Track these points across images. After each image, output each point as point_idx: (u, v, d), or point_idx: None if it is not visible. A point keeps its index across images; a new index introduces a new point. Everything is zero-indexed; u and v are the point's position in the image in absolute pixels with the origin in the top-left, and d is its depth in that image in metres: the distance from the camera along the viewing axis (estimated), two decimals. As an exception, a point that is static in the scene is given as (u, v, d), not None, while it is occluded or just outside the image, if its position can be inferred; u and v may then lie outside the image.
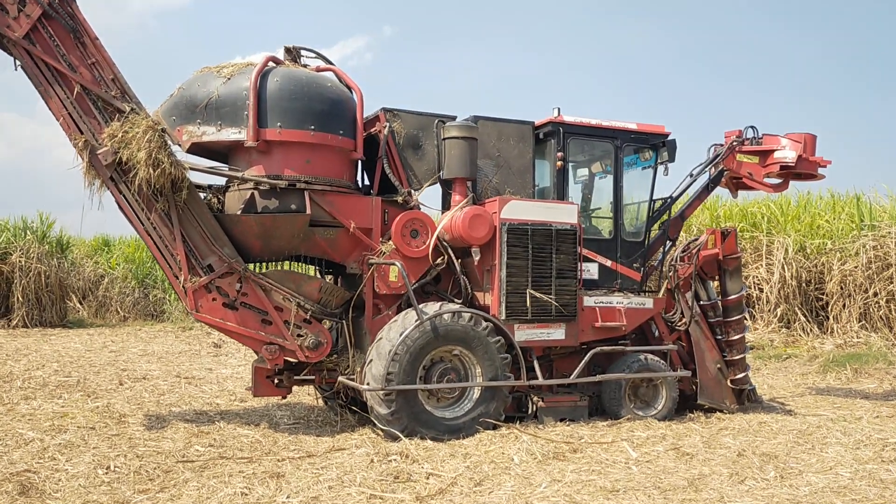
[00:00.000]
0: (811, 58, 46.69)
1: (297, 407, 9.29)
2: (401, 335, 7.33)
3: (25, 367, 12.33)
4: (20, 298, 20.34)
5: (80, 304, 23.84)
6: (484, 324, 7.65)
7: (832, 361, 12.99)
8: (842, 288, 15.67)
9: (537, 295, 7.91)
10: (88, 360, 13.77)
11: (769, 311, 16.24)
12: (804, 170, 9.51)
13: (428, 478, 6.08)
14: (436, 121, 8.27)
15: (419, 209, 8.15)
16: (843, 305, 15.60)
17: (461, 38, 55.85)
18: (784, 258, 16.25)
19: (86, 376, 11.49)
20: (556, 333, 8.10)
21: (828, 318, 15.91)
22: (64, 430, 7.54)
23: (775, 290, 16.15)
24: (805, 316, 16.02)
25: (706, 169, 9.68)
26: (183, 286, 7.36)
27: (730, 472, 6.28)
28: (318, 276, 8.69)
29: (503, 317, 7.81)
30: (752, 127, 9.70)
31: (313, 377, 8.12)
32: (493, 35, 54.04)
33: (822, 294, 16.19)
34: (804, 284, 16.34)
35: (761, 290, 16.45)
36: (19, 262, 20.55)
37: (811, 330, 15.78)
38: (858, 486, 5.92)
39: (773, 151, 9.55)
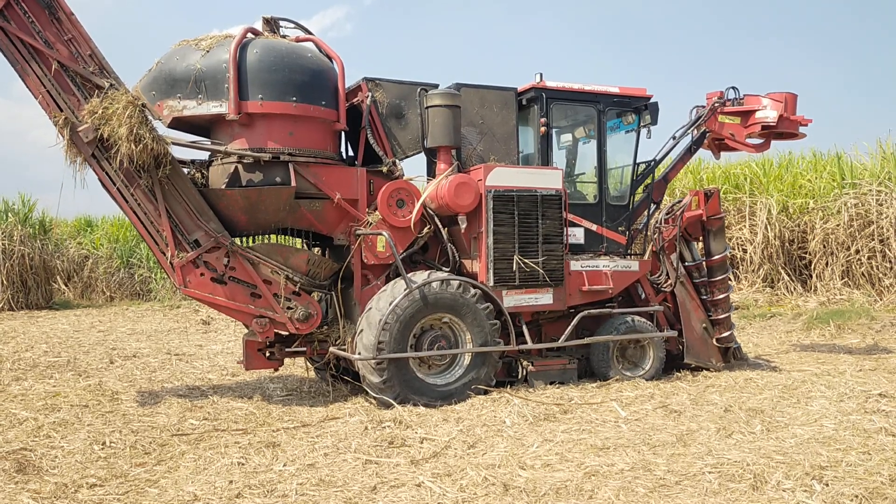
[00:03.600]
0: (792, 19, 46.66)
1: (289, 379, 9.35)
2: (390, 304, 7.38)
3: (14, 349, 12.31)
4: (4, 281, 20.24)
5: (66, 285, 23.72)
6: (472, 291, 7.71)
7: (816, 318, 13.18)
8: (824, 246, 15.88)
9: (524, 261, 7.96)
10: (77, 340, 13.76)
11: (753, 271, 16.44)
12: (785, 129, 9.58)
13: (422, 442, 6.16)
14: (418, 89, 8.24)
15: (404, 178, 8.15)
16: (826, 263, 15.83)
17: (442, 4, 55.38)
18: (767, 218, 16.41)
19: (76, 356, 11.48)
20: (544, 298, 8.17)
21: (811, 276, 16.13)
22: (57, 409, 7.57)
23: (759, 250, 16.34)
24: (789, 275, 16.23)
25: (689, 131, 9.72)
26: (170, 262, 7.35)
27: (717, 427, 6.40)
28: (306, 248, 8.70)
29: (491, 283, 7.87)
30: (733, 87, 9.74)
31: (304, 349, 8.16)
32: (473, 1, 53.58)
33: (806, 253, 16.39)
34: (787, 244, 16.54)
35: (745, 251, 16.62)
36: (2, 244, 20.43)
37: (795, 289, 16.00)
38: (843, 436, 6.06)
39: (754, 111, 9.61)
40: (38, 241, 21.50)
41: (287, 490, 5.09)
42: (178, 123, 7.66)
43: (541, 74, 8.54)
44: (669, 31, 51.23)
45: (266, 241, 8.33)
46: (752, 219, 16.78)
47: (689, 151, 9.81)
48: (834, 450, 5.68)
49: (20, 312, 19.67)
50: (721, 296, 9.25)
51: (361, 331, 7.47)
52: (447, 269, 8.15)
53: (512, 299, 8.00)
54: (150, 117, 7.27)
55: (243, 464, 5.70)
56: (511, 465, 5.50)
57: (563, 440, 6.13)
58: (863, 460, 5.39)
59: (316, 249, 8.92)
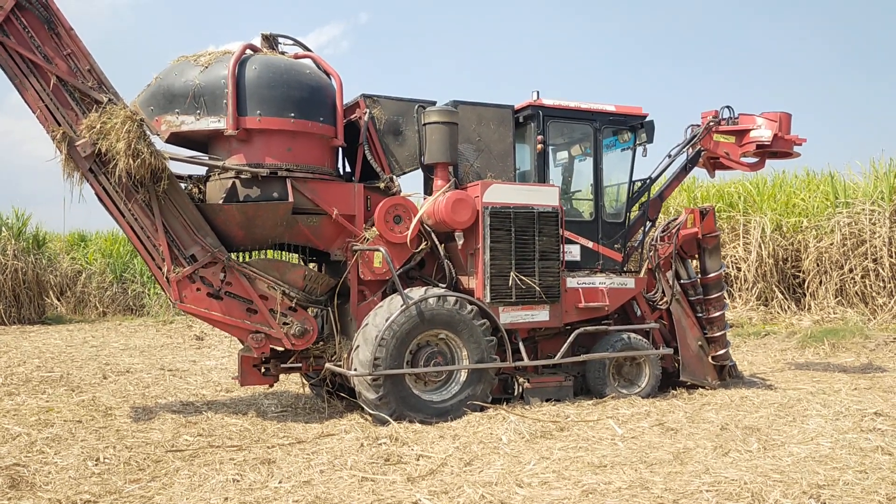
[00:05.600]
0: (785, 37, 47.08)
1: (284, 395, 9.30)
2: (387, 320, 7.36)
3: (6, 364, 12.22)
4: (-3, 296, 20.11)
5: (59, 300, 23.58)
6: (469, 307, 7.70)
7: (810, 337, 13.20)
8: (818, 265, 15.94)
9: (521, 278, 7.97)
10: (70, 355, 13.67)
11: (747, 289, 16.48)
12: (780, 148, 9.64)
13: (418, 459, 6.13)
14: (416, 106, 8.27)
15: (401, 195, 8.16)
16: (820, 282, 15.88)
17: (438, 22, 55.74)
18: (761, 237, 16.48)
19: (69, 371, 11.41)
20: (541, 315, 8.17)
21: (805, 294, 16.18)
22: (51, 424, 7.50)
23: (753, 268, 16.39)
24: (783, 293, 16.27)
25: (684, 149, 9.78)
26: (166, 277, 7.33)
27: (714, 446, 6.39)
28: (302, 263, 8.69)
29: (488, 300, 7.87)
30: (728, 107, 9.80)
31: (300, 365, 8.14)
32: (469, 18, 53.94)
33: (799, 271, 16.45)
34: (781, 262, 16.61)
35: (739, 269, 16.67)
36: (-5, 259, 20.31)
37: (789, 307, 16.05)
38: (839, 455, 6.06)
39: (749, 131, 9.67)
40: (31, 255, 21.39)
41: (283, 507, 5.07)
42: (176, 139, 7.68)
43: (537, 92, 8.60)
44: (666, 51, 51.61)
45: (263, 256, 8.32)
46: (745, 237, 16.84)
47: (685, 170, 9.87)
48: (831, 468, 5.68)
49: (12, 327, 19.52)
50: (716, 313, 9.26)
51: (358, 347, 7.45)
52: (444, 286, 8.15)
53: (508, 316, 8.00)
54: (148, 132, 7.28)
55: (238, 480, 5.66)
56: (508, 482, 5.48)
57: (560, 458, 6.11)
58: (860, 479, 5.39)
59: (312, 265, 8.91)
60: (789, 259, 16.69)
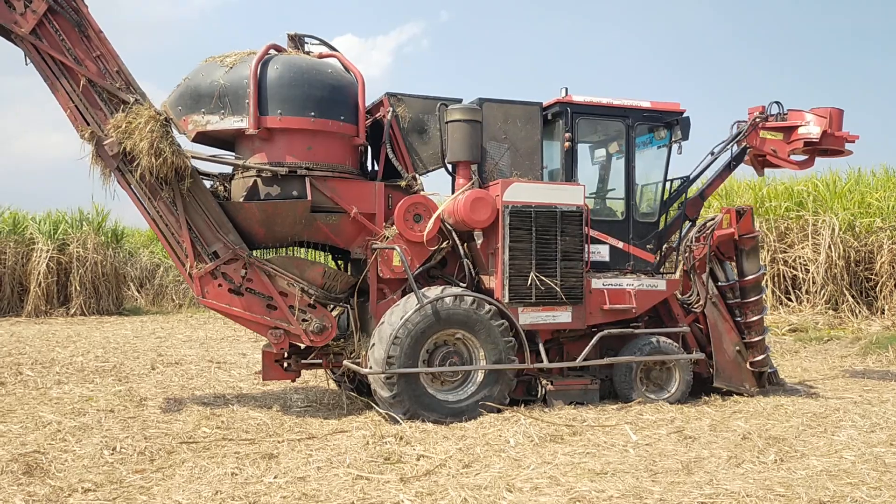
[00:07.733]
0: (851, 27, 44.68)
1: (313, 390, 9.42)
2: (402, 319, 7.35)
3: (71, 354, 12.81)
4: (78, 287, 21.21)
5: (138, 292, 24.67)
6: (487, 307, 7.61)
7: (874, 343, 12.50)
8: (892, 267, 15.10)
9: (541, 278, 7.82)
10: (133, 345, 14.23)
11: (815, 292, 15.73)
12: (830, 146, 9.16)
13: (418, 459, 6.10)
14: (438, 104, 8.22)
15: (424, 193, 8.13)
16: (894, 285, 15.03)
17: (519, 19, 55.34)
18: (831, 238, 15.70)
19: (122, 361, 11.87)
20: (563, 316, 8.01)
21: (877, 298, 15.35)
22: (83, 413, 7.80)
23: (822, 270, 15.63)
24: (854, 297, 15.47)
25: (728, 146, 9.41)
26: (189, 273, 7.53)
27: (729, 456, 6.13)
28: (325, 261, 8.77)
29: (506, 300, 7.76)
30: (776, 102, 9.38)
31: (320, 361, 8.22)
32: (551, 15, 53.34)
33: (872, 274, 15.61)
34: (853, 264, 15.79)
35: (807, 271, 15.94)
36: (76, 252, 21.40)
37: (860, 311, 15.24)
38: (859, 469, 5.71)
39: (797, 127, 9.22)
40: (110, 249, 22.44)
41: (269, 502, 5.12)
42: (203, 138, 7.85)
43: (566, 89, 8.41)
44: (716, 43, 49.72)
45: (286, 253, 8.43)
46: (815, 237, 16.08)
47: (729, 168, 9.49)
48: (844, 484, 5.37)
49: (91, 318, 20.54)
50: (755, 318, 8.85)
51: (373, 345, 7.48)
52: (464, 285, 8.07)
53: (528, 316, 7.87)
54: (172, 131, 7.48)
55: (236, 474, 5.75)
56: (499, 486, 5.38)
57: (563, 462, 5.97)
58: (870, 496, 5.08)
59: (340, 262, 8.98)
60: (862, 261, 15.85)
